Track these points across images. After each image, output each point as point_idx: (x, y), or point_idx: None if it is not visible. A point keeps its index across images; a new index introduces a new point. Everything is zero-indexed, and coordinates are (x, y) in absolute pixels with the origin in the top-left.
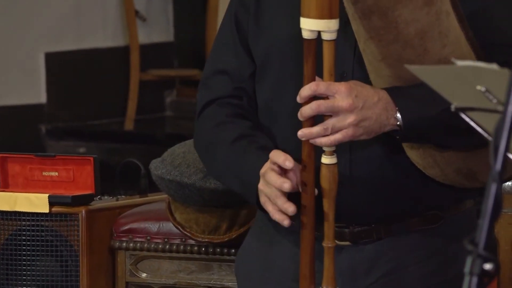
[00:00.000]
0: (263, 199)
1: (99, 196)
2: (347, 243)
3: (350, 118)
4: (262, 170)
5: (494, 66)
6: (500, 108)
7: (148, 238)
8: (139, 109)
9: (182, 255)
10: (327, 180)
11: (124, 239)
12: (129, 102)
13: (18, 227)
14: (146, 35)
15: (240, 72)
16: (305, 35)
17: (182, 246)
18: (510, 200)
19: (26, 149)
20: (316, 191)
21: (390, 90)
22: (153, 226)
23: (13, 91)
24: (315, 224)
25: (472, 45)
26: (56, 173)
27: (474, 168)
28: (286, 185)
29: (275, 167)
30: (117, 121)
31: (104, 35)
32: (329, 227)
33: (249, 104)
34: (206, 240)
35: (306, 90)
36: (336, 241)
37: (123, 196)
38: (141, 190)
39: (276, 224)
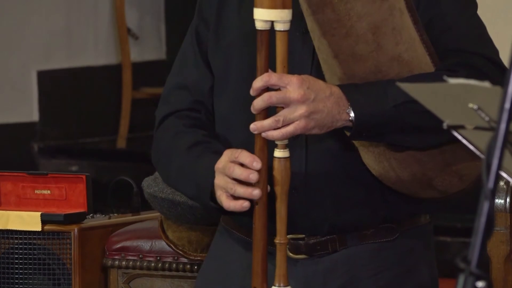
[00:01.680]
0: (219, 193)
1: (91, 214)
2: (302, 256)
3: (302, 110)
4: (219, 165)
5: (486, 84)
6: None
7: (140, 256)
8: (131, 127)
9: (174, 273)
10: (279, 173)
11: (116, 257)
12: (122, 120)
13: (11, 246)
14: (138, 53)
15: (200, 85)
16: (258, 25)
17: (174, 265)
18: (502, 218)
19: (19, 167)
20: (269, 187)
21: (343, 86)
22: (145, 244)
23: (5, 109)
24: (267, 221)
25: (427, 48)
26: (49, 191)
27: (429, 173)
28: (253, 176)
29: (237, 163)
30: (110, 139)
31: (96, 53)
32: (281, 223)
33: (206, 117)
34: (199, 258)
35: (258, 82)
36: (292, 254)
37: (115, 214)
38: (133, 208)
39: (230, 235)
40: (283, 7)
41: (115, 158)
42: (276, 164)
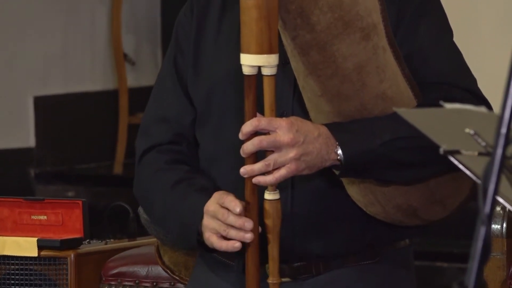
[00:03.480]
0: (207, 234)
1: (88, 240)
2: (286, 279)
3: (292, 153)
4: (210, 208)
5: (482, 109)
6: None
7: (137, 282)
8: (128, 152)
9: None
10: (270, 216)
11: (113, 283)
12: (118, 146)
13: (7, 271)
14: (134, 79)
15: (181, 118)
16: (246, 71)
17: None
18: (499, 243)
19: (15, 193)
20: (260, 228)
21: (330, 126)
22: (142, 270)
23: (1, 134)
24: (259, 261)
25: (409, 82)
26: (45, 217)
27: (414, 204)
28: (248, 224)
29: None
30: (106, 164)
31: (92, 78)
32: (273, 264)
33: (188, 150)
34: None
35: (247, 126)
36: None
37: (112, 239)
38: (130, 233)
39: (214, 269)
40: (270, 52)
41: (111, 183)
42: (267, 206)
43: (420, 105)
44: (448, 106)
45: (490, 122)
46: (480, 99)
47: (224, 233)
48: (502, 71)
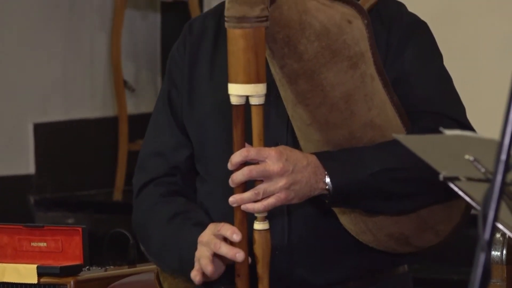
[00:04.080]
0: (198, 266)
1: (87, 267)
2: None
3: (282, 182)
4: (203, 239)
5: (482, 136)
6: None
7: None
8: (127, 179)
9: None
10: (260, 246)
11: None
12: (118, 172)
13: None
14: (134, 106)
15: (176, 152)
16: (233, 100)
17: None
18: (499, 270)
19: (15, 219)
20: (250, 259)
21: (319, 154)
22: None
23: (1, 161)
24: None
25: (397, 110)
26: (45, 244)
27: (406, 232)
28: (240, 255)
29: (221, 238)
30: (106, 191)
31: (92, 105)
32: None
33: (183, 181)
34: None
35: (237, 157)
36: None
37: (111, 266)
38: (129, 260)
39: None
40: (258, 81)
41: (111, 210)
42: (256, 236)
43: (409, 134)
44: (448, 132)
45: (490, 148)
46: (467, 129)
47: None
48: (502, 97)
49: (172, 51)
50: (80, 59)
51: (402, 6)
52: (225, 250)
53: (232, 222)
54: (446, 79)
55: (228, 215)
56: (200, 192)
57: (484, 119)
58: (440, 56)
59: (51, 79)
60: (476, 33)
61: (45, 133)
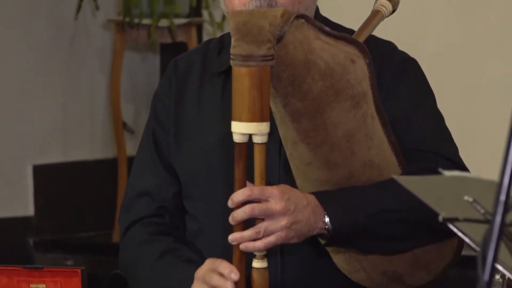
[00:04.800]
0: None
1: None
2: None
3: (283, 221)
4: (199, 273)
5: (481, 176)
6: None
7: None
8: None
9: None
10: (258, 284)
11: None
12: (117, 214)
13: None
14: (134, 147)
15: (162, 192)
16: (236, 138)
17: None
18: None
19: (14, 261)
20: None
21: (318, 194)
22: None
23: (0, 203)
24: None
25: (394, 149)
26: (44, 286)
27: (399, 270)
28: (228, 286)
29: (216, 272)
30: (105, 233)
31: (91, 147)
32: None
33: (171, 221)
34: None
35: (239, 195)
36: None
37: None
38: None
39: None
40: (262, 120)
41: (110, 252)
42: (254, 274)
43: (404, 173)
44: (447, 173)
45: (489, 189)
46: (461, 169)
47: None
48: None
49: (157, 90)
50: (79, 101)
51: (392, 44)
52: (216, 279)
53: (228, 260)
54: (438, 118)
55: (224, 253)
56: (190, 230)
57: (484, 160)
58: (432, 95)
59: (50, 120)
60: (476, 74)
61: (44, 175)
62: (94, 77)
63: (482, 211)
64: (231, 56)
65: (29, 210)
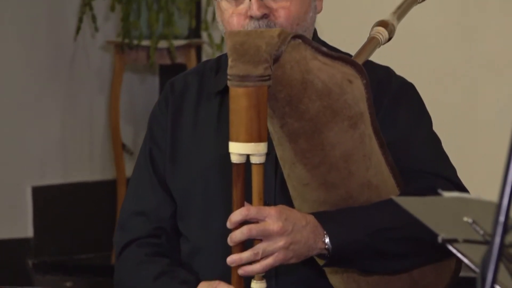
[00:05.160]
0: None
1: None
2: None
3: (281, 242)
4: None
5: (480, 198)
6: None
7: None
8: None
9: None
10: None
11: None
12: None
13: None
14: (133, 169)
15: (159, 211)
16: (234, 159)
17: None
18: None
19: (13, 283)
20: None
21: (317, 215)
22: None
23: None
24: None
25: (392, 170)
26: None
27: None
28: None
29: None
30: (104, 255)
31: (91, 168)
32: None
33: (168, 242)
34: None
35: (237, 215)
36: None
37: None
38: None
39: None
40: (259, 140)
41: (110, 273)
42: None
43: (403, 193)
44: (446, 194)
45: (488, 210)
46: (460, 189)
47: None
48: (500, 159)
49: (153, 109)
50: (78, 122)
51: (389, 69)
52: None
53: (227, 281)
54: (435, 140)
55: (223, 274)
56: (183, 252)
57: (483, 181)
58: (429, 118)
59: (49, 142)
60: (475, 96)
61: (44, 196)
62: (93, 99)
63: (482, 232)
64: (228, 77)
65: (28, 231)
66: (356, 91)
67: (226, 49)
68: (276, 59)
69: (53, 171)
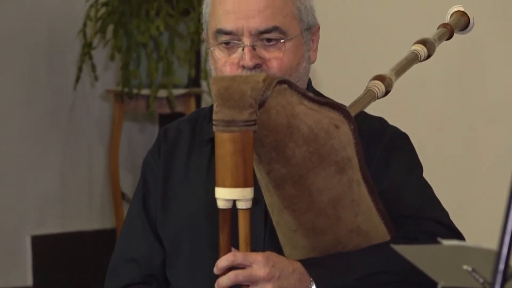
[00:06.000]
0: None
1: None
2: None
3: None
4: None
5: (480, 246)
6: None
7: None
8: None
9: None
10: None
11: None
12: None
13: None
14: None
15: (150, 258)
16: (220, 204)
17: None
18: None
19: None
20: None
21: (305, 261)
22: None
23: None
24: None
25: (383, 216)
26: None
27: None
28: None
29: None
30: None
31: (90, 217)
32: None
33: None
34: None
35: (223, 261)
36: None
37: None
38: None
39: None
40: (245, 185)
41: None
42: None
43: (395, 237)
44: (446, 242)
45: (488, 258)
46: (453, 231)
47: None
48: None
49: (146, 156)
50: (78, 171)
51: (382, 120)
52: None
53: None
54: (426, 187)
55: None
56: None
57: (483, 229)
58: (420, 167)
59: (48, 190)
60: (475, 144)
61: (43, 245)
62: (92, 147)
63: (481, 280)
64: (214, 122)
65: (28, 280)
66: (343, 136)
67: (212, 94)
68: (261, 104)
69: (52, 219)
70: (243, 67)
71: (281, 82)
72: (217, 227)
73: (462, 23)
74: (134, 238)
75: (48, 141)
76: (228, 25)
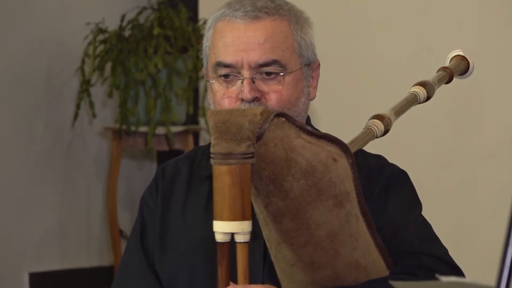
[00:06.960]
0: None
1: None
2: None
3: None
4: None
5: (478, 282)
6: None
7: None
8: None
9: None
10: None
11: None
12: None
13: None
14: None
15: None
16: (219, 238)
17: None
18: None
19: None
20: None
21: None
22: None
23: None
24: None
25: (382, 252)
26: None
27: None
28: None
29: None
30: None
31: (88, 254)
32: None
33: None
34: None
35: None
36: None
37: None
38: None
39: None
40: (243, 218)
41: None
42: None
43: (394, 272)
44: (445, 279)
45: None
46: (452, 268)
47: None
48: (497, 243)
49: (144, 193)
50: (76, 208)
51: (382, 158)
52: None
53: None
54: (427, 224)
55: None
56: None
57: (481, 265)
58: (419, 205)
59: (47, 228)
60: (474, 182)
61: (41, 283)
62: (90, 184)
63: None
64: (211, 155)
65: None
66: (341, 169)
67: (209, 128)
68: (259, 137)
69: (51, 257)
70: (242, 100)
71: (279, 115)
72: (215, 263)
73: (461, 67)
74: (131, 275)
75: (46, 178)
76: (227, 58)
